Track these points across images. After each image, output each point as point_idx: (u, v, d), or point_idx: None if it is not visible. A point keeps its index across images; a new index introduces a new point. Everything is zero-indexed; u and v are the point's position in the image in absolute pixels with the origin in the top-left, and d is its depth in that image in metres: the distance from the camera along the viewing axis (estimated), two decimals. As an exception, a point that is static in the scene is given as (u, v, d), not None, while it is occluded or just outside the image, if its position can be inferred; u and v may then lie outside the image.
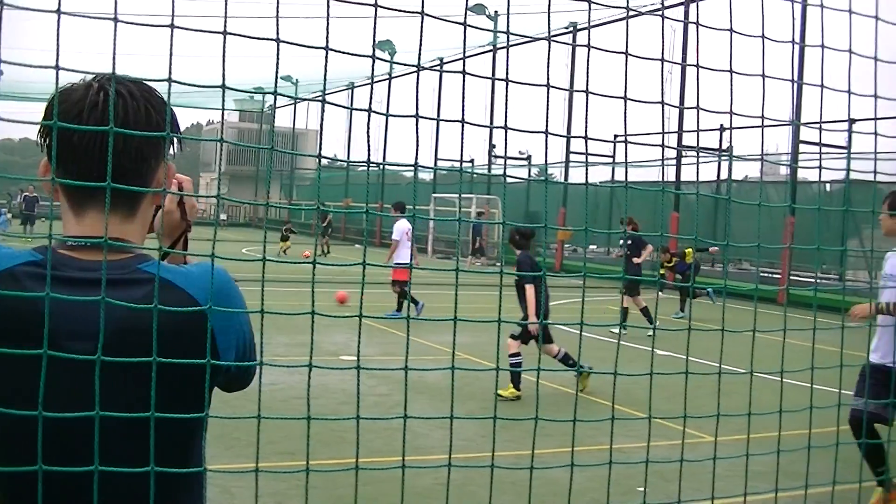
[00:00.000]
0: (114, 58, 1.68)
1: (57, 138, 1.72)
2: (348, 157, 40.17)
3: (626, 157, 2.86)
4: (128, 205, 1.80)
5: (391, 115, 2.18)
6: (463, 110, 2.20)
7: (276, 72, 1.86)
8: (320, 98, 2.06)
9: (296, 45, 1.96)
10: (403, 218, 16.71)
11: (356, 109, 2.12)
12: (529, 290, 10.42)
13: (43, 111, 1.76)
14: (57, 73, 1.64)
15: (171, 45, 1.74)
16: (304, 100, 2.39)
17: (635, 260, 16.95)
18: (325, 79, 1.90)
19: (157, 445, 1.68)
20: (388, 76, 43.02)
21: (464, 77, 2.24)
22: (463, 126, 2.23)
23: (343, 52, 2.02)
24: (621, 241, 20.01)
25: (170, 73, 1.72)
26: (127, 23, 1.73)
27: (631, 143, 2.73)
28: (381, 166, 2.31)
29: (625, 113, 2.53)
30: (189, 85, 1.86)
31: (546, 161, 2.64)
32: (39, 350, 1.59)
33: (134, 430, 1.68)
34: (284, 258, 29.04)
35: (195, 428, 1.79)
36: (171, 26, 1.74)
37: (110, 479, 1.64)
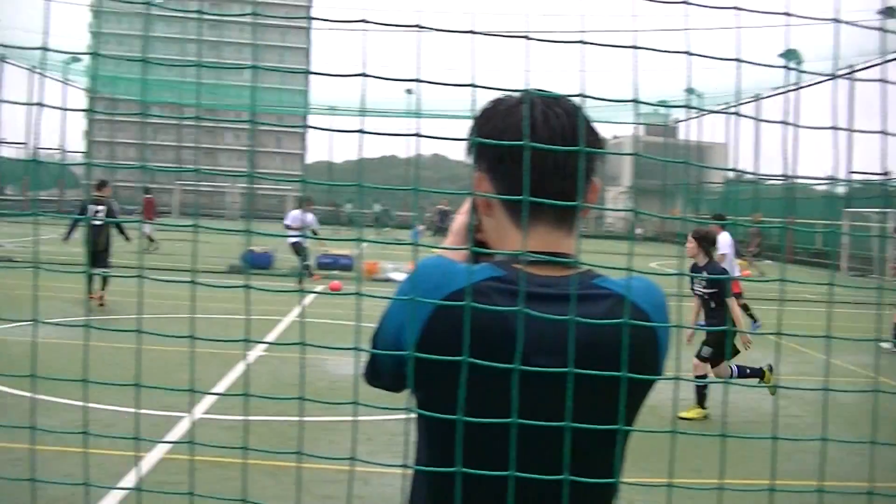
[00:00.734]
0: (527, 74, 1.74)
1: (501, 154, 1.79)
2: (757, 170, 38.98)
3: None
4: (570, 220, 1.84)
5: (800, 127, 2.08)
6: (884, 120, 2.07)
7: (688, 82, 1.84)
8: (726, 111, 2.01)
9: (705, 56, 1.93)
10: (724, 232, 15.95)
11: (766, 121, 2.05)
12: (732, 303, 9.67)
13: (474, 127, 1.85)
14: (473, 91, 1.72)
15: (582, 59, 1.77)
16: (712, 112, 2.35)
17: None
18: (737, 91, 1.85)
19: (609, 458, 1.74)
20: (795, 86, 41.29)
21: (884, 85, 2.10)
22: (885, 136, 2.09)
23: (752, 63, 1.97)
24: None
25: (582, 88, 1.75)
26: (539, 40, 1.79)
27: None
28: (790, 179, 2.22)
29: None
30: (600, 100, 1.88)
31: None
32: (508, 365, 1.65)
33: (595, 442, 1.73)
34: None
35: (626, 441, 1.82)
36: (581, 42, 1.78)
37: (569, 490, 1.69)
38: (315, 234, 21.77)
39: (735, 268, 16.31)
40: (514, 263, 1.77)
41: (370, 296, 1.87)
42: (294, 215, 21.53)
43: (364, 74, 1.83)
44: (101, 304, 16.18)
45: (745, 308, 15.64)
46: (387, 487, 6.88)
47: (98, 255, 16.32)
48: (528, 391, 1.69)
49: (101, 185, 17.14)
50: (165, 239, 30.19)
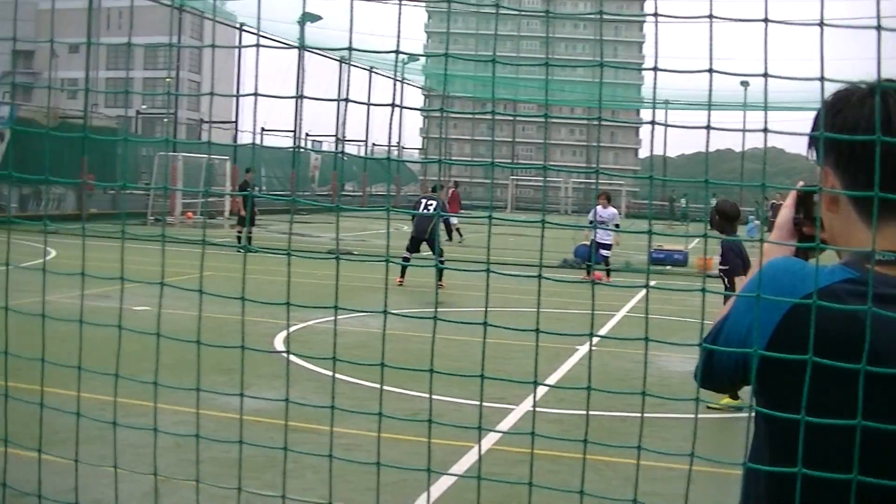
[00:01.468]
0: (878, 64, 1.64)
1: (852, 148, 1.71)
2: None
3: None
4: None
5: None
6: None
7: None
8: None
9: None
10: None
11: None
12: (740, 282, 8.38)
13: (822, 119, 1.76)
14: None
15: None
16: None
17: None
18: None
19: None
20: None
21: None
22: None
23: None
24: None
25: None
26: (890, 30, 1.68)
27: None
28: None
29: None
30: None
31: None
32: (857, 366, 1.59)
33: None
34: None
35: None
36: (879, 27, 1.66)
37: None
38: (617, 227, 21.55)
39: None
40: (866, 263, 1.68)
41: (712, 291, 1.84)
42: (599, 211, 21.41)
43: (711, 70, 1.80)
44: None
45: None
46: (712, 489, 6.73)
47: (419, 241, 18.45)
48: (877, 392, 1.62)
49: (437, 188, 20.21)
50: (500, 234, 30.96)
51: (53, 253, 20.14)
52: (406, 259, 17.56)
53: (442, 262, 17.98)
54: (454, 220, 28.26)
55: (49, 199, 34.44)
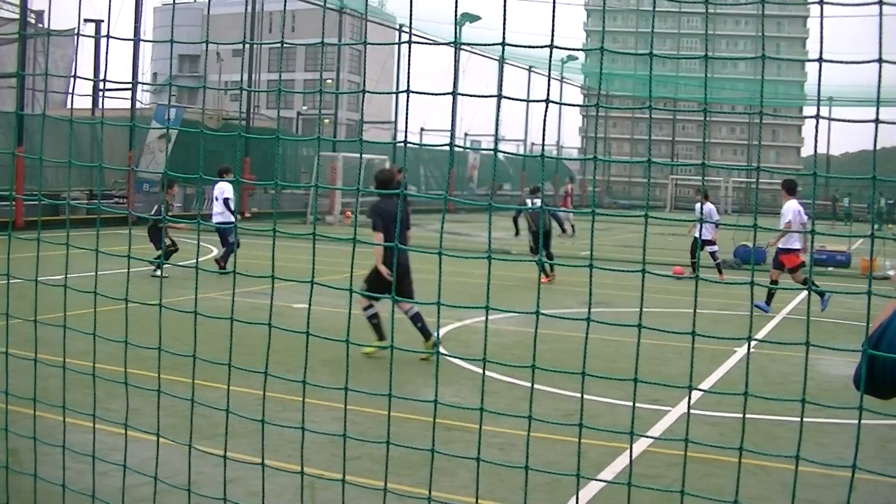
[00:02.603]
0: None
1: None
2: None
3: None
4: None
5: None
6: None
7: None
8: None
9: None
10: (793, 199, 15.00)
11: None
12: None
13: None
14: None
15: None
16: None
17: None
18: None
19: None
20: None
21: None
22: None
23: None
24: None
25: None
26: None
27: None
28: None
29: None
30: None
31: None
32: None
33: None
34: None
35: None
36: None
37: None
38: (717, 226, 20.79)
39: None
40: None
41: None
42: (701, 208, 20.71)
43: (880, 60, 1.73)
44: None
45: (805, 283, 14.10)
46: (871, 495, 6.47)
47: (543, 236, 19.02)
48: None
49: (540, 189, 20.93)
50: (657, 234, 30.47)
51: (214, 251, 20.85)
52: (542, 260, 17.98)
53: (550, 257, 18.97)
54: (563, 216, 28.00)
55: (210, 199, 35.64)
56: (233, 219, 18.20)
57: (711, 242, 19.85)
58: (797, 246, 15.07)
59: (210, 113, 44.82)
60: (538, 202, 19.09)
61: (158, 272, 17.56)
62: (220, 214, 18.94)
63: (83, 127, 27.11)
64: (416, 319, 10.26)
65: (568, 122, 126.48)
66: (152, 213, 17.39)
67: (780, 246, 15.13)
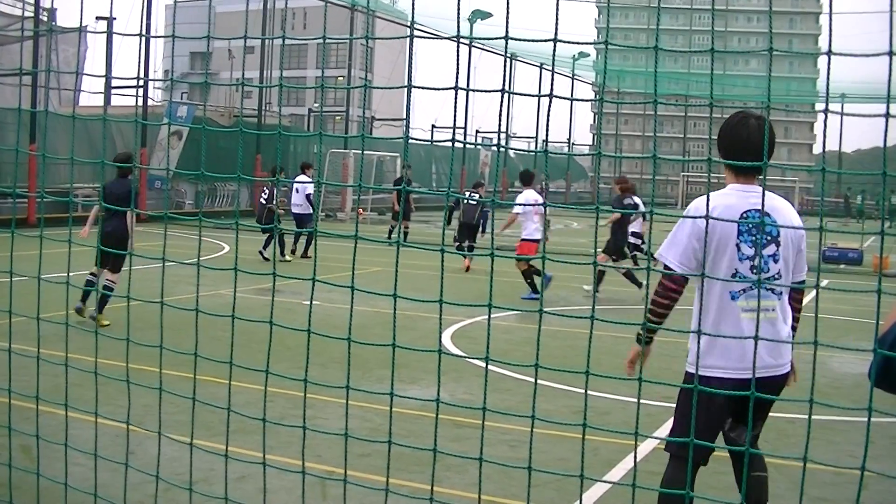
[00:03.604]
0: None
1: None
2: None
3: None
4: None
5: None
6: None
7: None
8: None
9: None
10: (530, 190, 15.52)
11: None
12: None
13: None
14: None
15: None
16: None
17: None
18: None
19: None
20: None
21: None
22: None
23: None
24: None
25: None
26: None
27: None
28: None
29: None
30: None
31: None
32: None
33: None
34: None
35: None
36: None
37: None
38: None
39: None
40: None
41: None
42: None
43: (891, 53, 1.70)
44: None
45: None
46: (883, 493, 6.42)
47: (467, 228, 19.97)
48: None
49: (478, 185, 22.74)
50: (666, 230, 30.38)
51: (226, 248, 20.86)
52: (458, 247, 18.90)
53: (471, 248, 19.47)
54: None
55: (224, 196, 35.76)
56: (311, 211, 19.53)
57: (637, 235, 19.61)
58: (537, 237, 15.45)
59: (221, 110, 44.88)
60: (476, 196, 20.23)
61: (282, 255, 18.45)
62: (298, 206, 19.83)
63: (97, 124, 27.16)
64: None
65: (580, 119, 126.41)
66: (265, 198, 18.90)
67: (523, 236, 15.60)
